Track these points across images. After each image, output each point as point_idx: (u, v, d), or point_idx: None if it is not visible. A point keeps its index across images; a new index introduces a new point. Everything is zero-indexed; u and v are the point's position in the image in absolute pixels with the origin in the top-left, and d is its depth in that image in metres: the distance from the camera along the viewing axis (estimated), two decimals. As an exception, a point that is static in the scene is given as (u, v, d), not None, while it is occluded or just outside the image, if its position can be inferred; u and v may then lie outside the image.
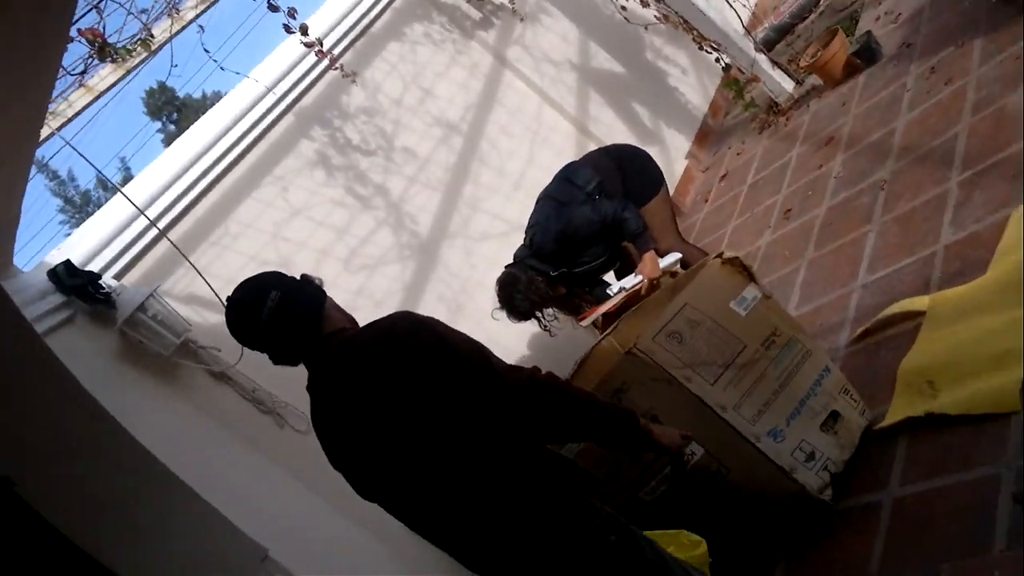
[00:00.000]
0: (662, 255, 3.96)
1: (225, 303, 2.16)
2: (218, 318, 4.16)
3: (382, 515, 2.22)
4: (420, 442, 2.03)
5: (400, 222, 5.03)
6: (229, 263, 4.26)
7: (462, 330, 2.11)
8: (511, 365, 2.07)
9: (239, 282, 2.22)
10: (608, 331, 3.54)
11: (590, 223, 3.91)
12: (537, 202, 4.21)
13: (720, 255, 3.21)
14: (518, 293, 3.91)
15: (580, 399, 2.06)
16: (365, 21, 5.42)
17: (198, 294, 4.18)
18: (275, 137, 4.86)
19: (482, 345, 2.08)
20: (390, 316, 2.11)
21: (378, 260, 4.78)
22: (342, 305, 2.30)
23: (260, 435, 4.09)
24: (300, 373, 4.05)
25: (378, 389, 2.03)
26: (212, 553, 2.84)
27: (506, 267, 4.07)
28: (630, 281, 3.91)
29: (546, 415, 2.00)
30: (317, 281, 2.24)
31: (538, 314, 4.06)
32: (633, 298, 3.79)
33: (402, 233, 5.00)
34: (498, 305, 3.98)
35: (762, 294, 3.15)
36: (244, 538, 2.92)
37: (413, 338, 2.02)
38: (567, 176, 4.12)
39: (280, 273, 2.19)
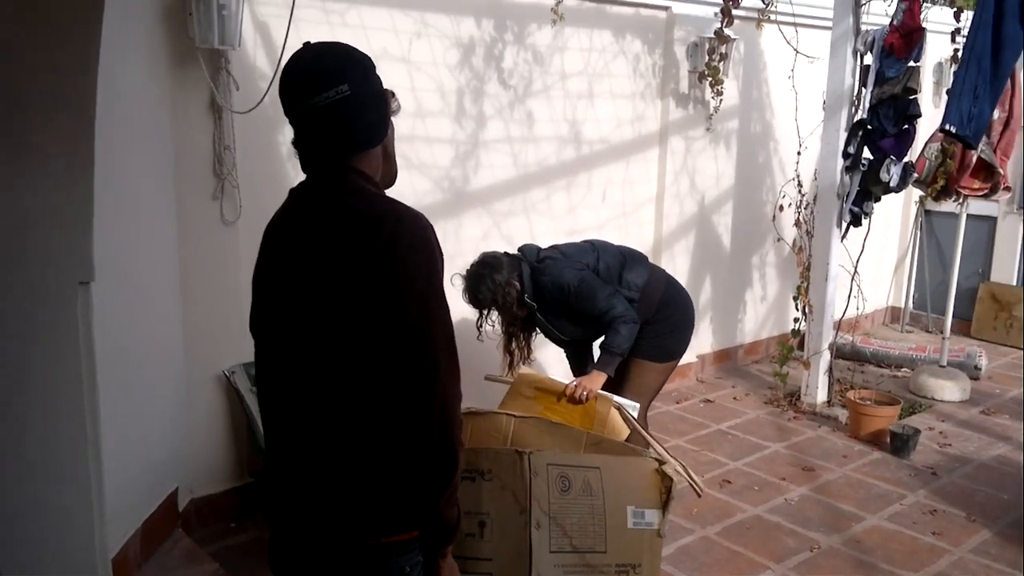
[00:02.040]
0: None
1: (302, 45, 1.76)
2: (265, 66, 3.81)
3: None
4: (309, 340, 1.71)
5: (463, 158, 4.71)
6: (316, 37, 3.88)
7: None
8: (452, 387, 1.68)
9: (335, 41, 1.80)
10: (522, 415, 3.25)
11: (592, 304, 3.65)
12: (587, 242, 3.95)
13: (661, 463, 2.93)
14: (491, 281, 3.60)
15: (456, 474, 1.70)
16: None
17: (272, 34, 3.82)
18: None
19: (446, 332, 1.69)
20: (409, 216, 1.69)
21: (413, 164, 4.44)
22: None
23: (192, 189, 3.74)
24: (281, 173, 3.72)
25: (321, 263, 1.68)
26: (38, 225, 2.45)
27: (505, 253, 3.78)
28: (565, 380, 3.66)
29: (420, 446, 1.66)
30: (395, 106, 1.83)
31: (485, 312, 3.75)
32: (550, 390, 3.56)
33: (456, 167, 4.68)
34: (465, 273, 3.68)
35: (658, 527, 2.87)
36: (87, 248, 2.55)
37: (392, 253, 1.62)
38: (625, 262, 3.83)
39: (373, 67, 1.77)
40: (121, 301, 3.09)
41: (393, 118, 1.85)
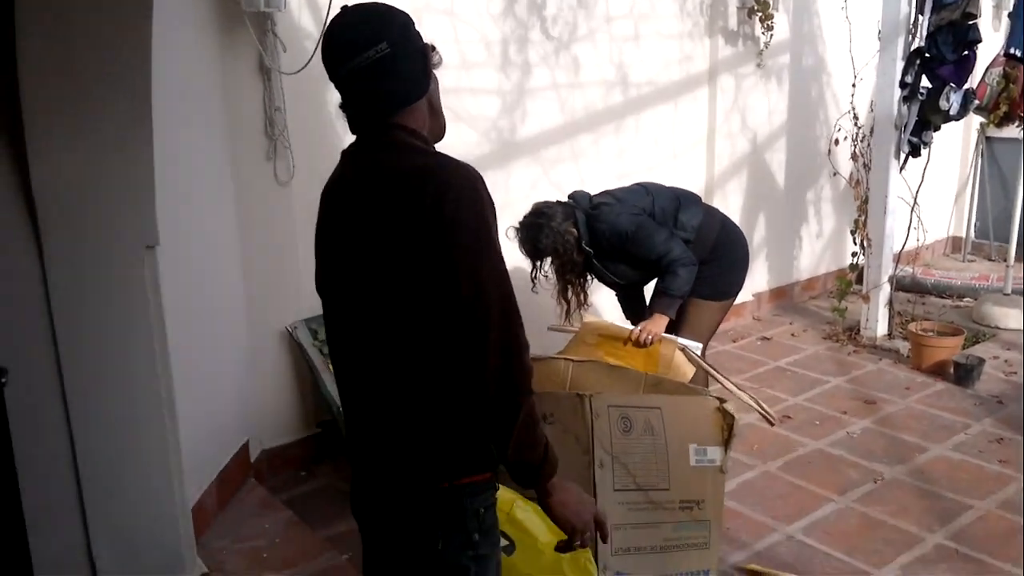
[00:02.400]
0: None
1: (340, 10, 1.77)
2: (310, 26, 3.84)
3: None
4: (369, 298, 1.74)
5: (510, 107, 4.70)
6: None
7: None
8: (512, 338, 1.67)
9: (373, 1, 1.77)
10: (581, 358, 3.29)
11: (650, 248, 3.65)
12: (639, 185, 3.93)
13: (722, 401, 2.95)
14: (549, 229, 3.60)
15: (516, 420, 1.68)
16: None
17: (317, -7, 3.85)
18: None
19: (500, 283, 1.67)
20: (457, 168, 1.69)
21: (460, 117, 4.44)
22: None
23: (246, 151, 3.79)
24: (330, 131, 3.75)
25: (374, 222, 1.70)
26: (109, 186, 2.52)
27: (557, 200, 3.77)
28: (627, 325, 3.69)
29: (492, 400, 1.68)
30: (436, 60, 1.83)
31: (540, 263, 3.75)
32: (615, 337, 3.58)
33: (503, 117, 4.68)
34: (519, 224, 3.66)
35: (720, 464, 2.91)
36: (151, 214, 2.62)
37: (440, 206, 1.62)
38: (679, 204, 3.81)
39: (411, 24, 1.78)
40: (185, 263, 3.19)
41: (436, 72, 1.84)
